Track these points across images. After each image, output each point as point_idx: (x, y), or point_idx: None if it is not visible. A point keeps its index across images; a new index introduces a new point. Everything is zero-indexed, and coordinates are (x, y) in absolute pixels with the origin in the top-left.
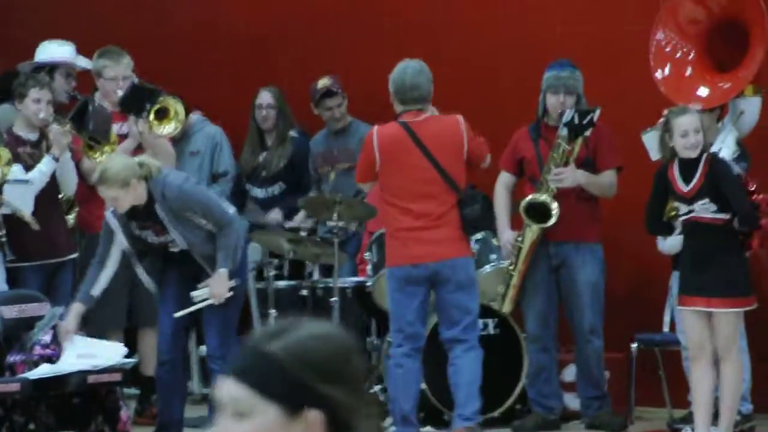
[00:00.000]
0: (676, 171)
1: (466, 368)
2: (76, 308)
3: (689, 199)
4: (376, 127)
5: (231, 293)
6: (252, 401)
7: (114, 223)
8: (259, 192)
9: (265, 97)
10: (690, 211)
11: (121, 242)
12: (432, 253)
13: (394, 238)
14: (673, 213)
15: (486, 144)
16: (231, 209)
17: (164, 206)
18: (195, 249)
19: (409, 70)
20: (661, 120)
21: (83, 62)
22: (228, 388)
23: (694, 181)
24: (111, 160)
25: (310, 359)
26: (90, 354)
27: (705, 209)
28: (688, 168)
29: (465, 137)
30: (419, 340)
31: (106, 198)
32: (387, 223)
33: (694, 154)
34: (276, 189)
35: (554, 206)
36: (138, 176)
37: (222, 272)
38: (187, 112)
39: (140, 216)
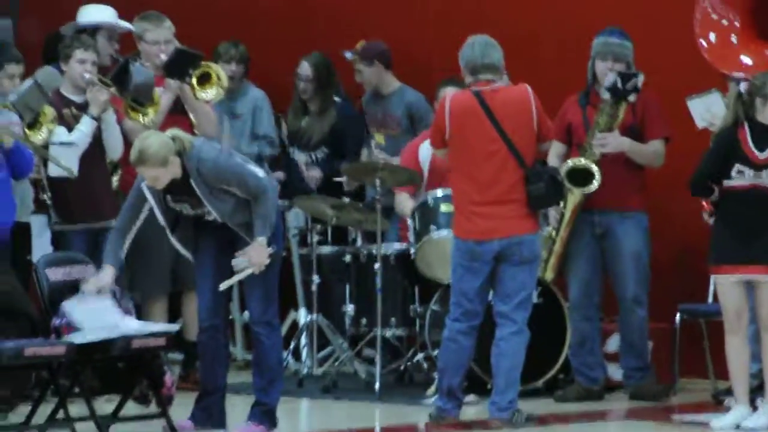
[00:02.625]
0: (748, 135)
1: (509, 353)
2: (111, 271)
3: (760, 166)
4: (449, 94)
5: (269, 260)
6: None
7: (149, 196)
8: (302, 156)
9: (304, 67)
10: (755, 177)
11: (144, 212)
12: (498, 228)
13: (459, 211)
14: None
15: (551, 127)
16: (262, 174)
17: (199, 181)
18: (230, 218)
19: (477, 41)
20: (751, 82)
21: (125, 25)
22: None
23: None
24: (146, 139)
25: None
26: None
27: None
28: (762, 134)
29: (534, 107)
30: (477, 318)
31: (145, 177)
32: (453, 192)
33: None
34: (319, 153)
35: (596, 171)
36: (174, 152)
37: (261, 240)
38: (248, 70)
39: (176, 190)
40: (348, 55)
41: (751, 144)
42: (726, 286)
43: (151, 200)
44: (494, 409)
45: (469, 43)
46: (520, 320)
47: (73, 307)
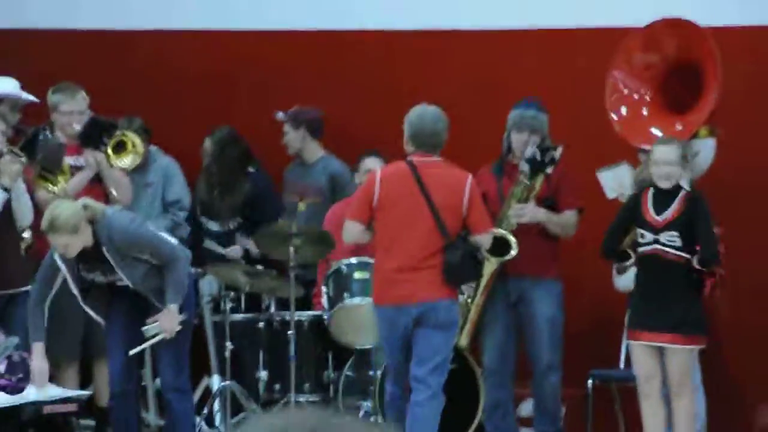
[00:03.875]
0: (649, 200)
1: (423, 417)
2: (41, 348)
3: (658, 230)
4: (378, 166)
5: (181, 327)
6: None
7: (61, 264)
8: (214, 225)
9: (206, 144)
10: (655, 241)
11: (59, 281)
12: (414, 294)
13: (380, 277)
14: (628, 247)
15: (489, 220)
16: (174, 241)
17: (111, 248)
18: (141, 285)
19: (428, 115)
20: (642, 155)
21: (28, 96)
22: None
23: (669, 212)
24: (57, 207)
25: None
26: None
27: (671, 242)
28: (662, 199)
29: (467, 195)
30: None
31: (57, 245)
32: (376, 259)
33: (665, 185)
34: (233, 224)
35: (513, 240)
36: (85, 220)
37: (172, 307)
38: (147, 143)
39: (88, 258)
40: (279, 115)
41: (650, 207)
42: (637, 351)
43: (63, 268)
44: None
45: (420, 111)
46: (434, 385)
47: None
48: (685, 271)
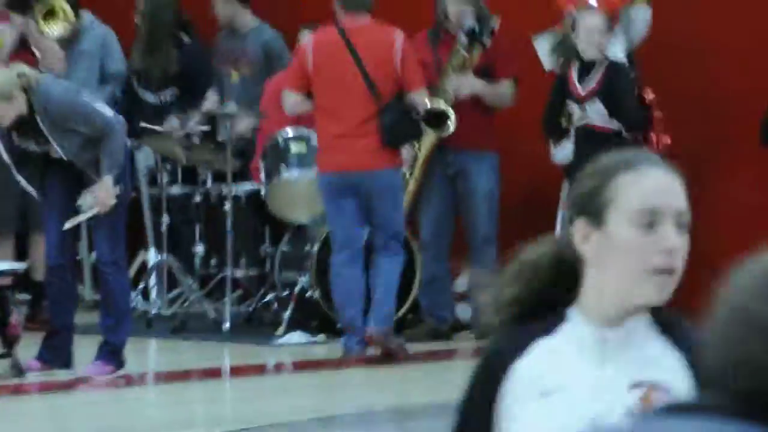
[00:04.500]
0: (574, 73)
1: (387, 273)
2: None
3: (582, 101)
4: (311, 34)
5: (116, 200)
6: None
7: None
8: (150, 97)
9: (139, 7)
10: (582, 112)
11: None
12: (353, 162)
13: (322, 143)
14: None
15: (421, 77)
16: (109, 112)
17: (45, 117)
18: (76, 156)
19: None
20: (566, 19)
21: None
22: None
23: (591, 83)
24: None
25: None
26: None
27: (597, 113)
28: (587, 70)
29: (398, 52)
30: (355, 243)
31: None
32: (317, 125)
33: (591, 53)
34: (168, 94)
35: (451, 113)
36: (19, 88)
37: (107, 180)
38: (77, 12)
39: (22, 127)
40: None
41: (575, 80)
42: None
43: None
44: (372, 321)
45: None
46: (393, 246)
47: None
48: (617, 141)
